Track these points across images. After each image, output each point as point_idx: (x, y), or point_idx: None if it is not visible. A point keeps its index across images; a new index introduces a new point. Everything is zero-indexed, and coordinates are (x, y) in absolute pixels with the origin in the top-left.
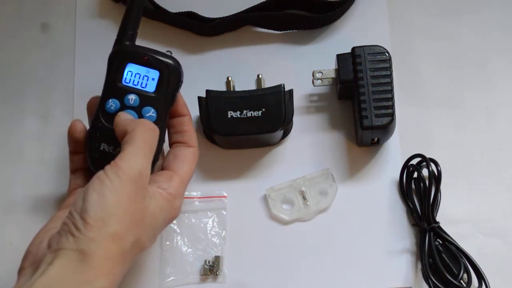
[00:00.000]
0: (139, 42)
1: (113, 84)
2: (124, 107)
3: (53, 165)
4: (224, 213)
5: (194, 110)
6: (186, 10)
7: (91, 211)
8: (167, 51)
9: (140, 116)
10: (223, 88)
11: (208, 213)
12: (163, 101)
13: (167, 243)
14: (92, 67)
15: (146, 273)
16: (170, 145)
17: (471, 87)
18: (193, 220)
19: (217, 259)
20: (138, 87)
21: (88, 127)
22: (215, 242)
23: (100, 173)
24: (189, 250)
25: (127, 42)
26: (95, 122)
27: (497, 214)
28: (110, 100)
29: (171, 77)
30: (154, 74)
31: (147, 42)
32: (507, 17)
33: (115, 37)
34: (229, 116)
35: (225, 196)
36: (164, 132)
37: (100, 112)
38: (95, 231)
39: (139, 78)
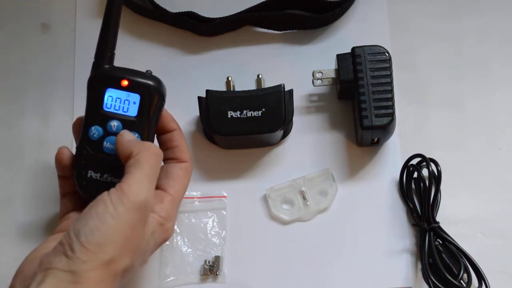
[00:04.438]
0: (139, 42)
1: (94, 111)
2: (107, 133)
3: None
4: (224, 213)
5: (194, 110)
6: (186, 10)
7: (89, 235)
8: (147, 71)
9: None
10: (223, 88)
11: (208, 213)
12: (147, 124)
13: (167, 243)
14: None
15: (146, 273)
16: (164, 161)
17: (471, 87)
18: (193, 220)
19: (217, 259)
20: (120, 112)
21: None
22: (215, 242)
23: (104, 196)
24: (189, 250)
25: (105, 65)
26: (80, 150)
27: (497, 214)
28: (93, 128)
29: (152, 98)
30: (135, 97)
31: (147, 42)
32: (507, 17)
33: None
34: (229, 116)
35: (225, 196)
36: None
37: (84, 140)
38: (90, 255)
39: (120, 102)
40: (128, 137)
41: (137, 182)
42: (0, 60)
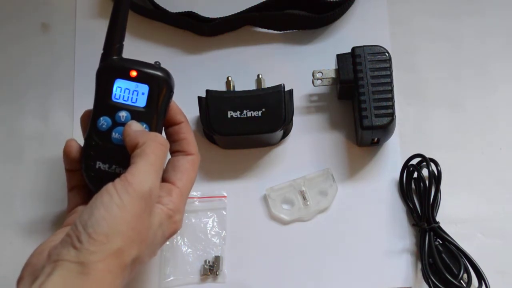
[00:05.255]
0: (139, 42)
1: (103, 101)
2: (115, 124)
3: (53, 165)
4: (224, 213)
5: (194, 110)
6: (186, 10)
7: (96, 226)
8: (156, 62)
9: None
10: (223, 88)
11: (208, 213)
12: (155, 115)
13: (167, 243)
14: (92, 67)
15: (146, 273)
16: (170, 154)
17: (471, 87)
18: (193, 220)
19: (217, 259)
20: (129, 102)
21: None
22: (215, 242)
23: (109, 186)
24: (189, 250)
25: (114, 57)
26: (89, 141)
27: (497, 214)
28: (102, 118)
29: (161, 89)
30: (144, 88)
31: (147, 42)
32: (507, 17)
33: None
34: (229, 116)
35: (225, 196)
36: None
37: (92, 131)
38: (98, 246)
39: (128, 93)
40: (136, 127)
41: (142, 172)
42: (0, 60)
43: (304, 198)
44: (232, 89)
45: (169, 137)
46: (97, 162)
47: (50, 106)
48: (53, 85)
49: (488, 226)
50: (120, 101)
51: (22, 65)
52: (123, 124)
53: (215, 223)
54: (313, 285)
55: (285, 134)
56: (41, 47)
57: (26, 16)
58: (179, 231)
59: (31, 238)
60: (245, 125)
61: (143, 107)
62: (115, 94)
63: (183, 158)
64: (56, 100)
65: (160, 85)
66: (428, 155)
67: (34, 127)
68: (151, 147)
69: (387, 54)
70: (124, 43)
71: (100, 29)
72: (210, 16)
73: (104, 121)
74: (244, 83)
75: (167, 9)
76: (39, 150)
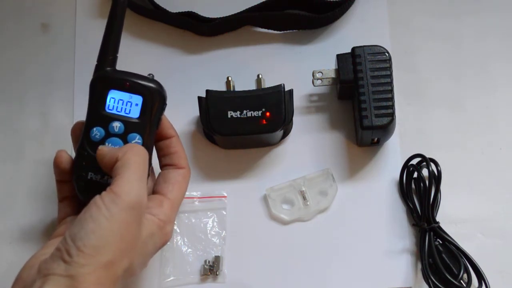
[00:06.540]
0: (139, 42)
1: (97, 112)
2: (109, 135)
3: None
4: (224, 213)
5: (194, 110)
6: (186, 10)
7: (85, 239)
8: (149, 74)
9: (126, 143)
10: (223, 88)
11: (208, 213)
12: (148, 126)
13: (167, 243)
14: (92, 67)
15: (146, 273)
16: (160, 168)
17: (471, 87)
18: (193, 220)
19: (217, 259)
20: (122, 113)
21: (76, 146)
22: (215, 242)
23: (97, 199)
24: (189, 250)
25: (108, 68)
26: (81, 151)
27: (497, 214)
28: (95, 129)
29: (154, 101)
30: (137, 99)
31: (147, 42)
32: (507, 17)
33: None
34: (229, 116)
35: (225, 196)
36: (151, 156)
37: (85, 141)
38: (87, 259)
39: (122, 104)
40: (107, 147)
41: (127, 182)
42: (0, 60)
43: (304, 198)
44: (232, 89)
45: (160, 151)
46: (89, 172)
47: (50, 106)
48: (53, 85)
49: (488, 226)
50: (114, 112)
51: (22, 65)
52: (116, 135)
53: (215, 223)
54: (313, 285)
55: (285, 134)
56: (41, 47)
57: (26, 16)
58: (179, 231)
59: (30, 239)
60: (245, 125)
61: (137, 118)
62: (109, 105)
63: (174, 171)
64: (56, 100)
65: (154, 97)
66: (428, 155)
67: (34, 127)
68: (132, 157)
69: (387, 54)
70: (124, 43)
71: (100, 29)
72: (210, 16)
73: (97, 132)
74: (244, 83)
75: (167, 9)
76: (39, 150)
